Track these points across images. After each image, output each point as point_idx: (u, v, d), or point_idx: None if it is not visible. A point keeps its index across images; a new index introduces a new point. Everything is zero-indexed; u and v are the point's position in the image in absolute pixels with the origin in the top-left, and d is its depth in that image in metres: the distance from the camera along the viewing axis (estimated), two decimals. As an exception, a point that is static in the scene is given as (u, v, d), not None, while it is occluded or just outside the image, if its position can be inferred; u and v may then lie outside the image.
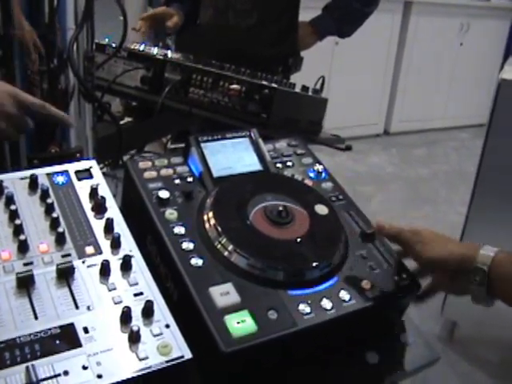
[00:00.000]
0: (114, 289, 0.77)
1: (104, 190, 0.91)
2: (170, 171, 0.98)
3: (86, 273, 0.78)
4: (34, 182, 0.88)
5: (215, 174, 0.99)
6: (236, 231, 0.89)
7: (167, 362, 0.70)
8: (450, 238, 0.93)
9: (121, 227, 0.86)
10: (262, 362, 0.82)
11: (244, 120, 1.37)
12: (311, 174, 1.07)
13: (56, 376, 0.66)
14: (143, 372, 0.68)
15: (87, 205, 0.88)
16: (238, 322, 0.78)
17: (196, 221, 0.90)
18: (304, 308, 0.82)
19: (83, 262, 0.79)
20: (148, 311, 0.74)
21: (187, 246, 0.86)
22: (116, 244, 0.83)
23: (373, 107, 5.34)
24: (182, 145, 1.03)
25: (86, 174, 0.93)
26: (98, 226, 0.85)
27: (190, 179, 0.98)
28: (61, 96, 1.11)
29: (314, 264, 0.87)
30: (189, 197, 0.94)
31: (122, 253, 0.82)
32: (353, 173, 4.54)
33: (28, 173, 0.90)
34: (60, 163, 0.94)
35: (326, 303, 0.84)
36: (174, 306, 0.77)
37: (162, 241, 0.86)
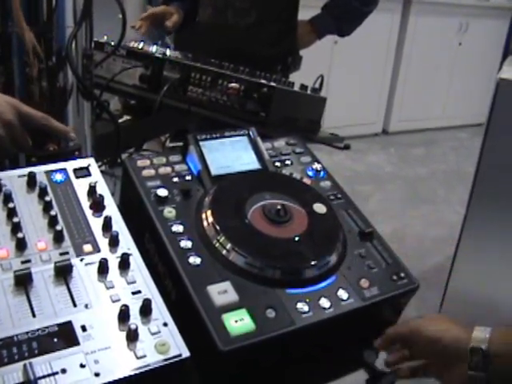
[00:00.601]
0: (112, 287, 0.77)
1: (102, 188, 0.91)
2: (169, 169, 0.98)
3: (83, 271, 0.78)
4: (32, 180, 0.88)
5: (213, 172, 0.99)
6: (234, 230, 0.89)
7: (165, 360, 0.70)
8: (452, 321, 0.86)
9: (119, 225, 0.86)
10: (260, 360, 0.82)
11: (243, 119, 1.37)
12: (310, 173, 1.07)
13: (53, 374, 0.66)
14: (141, 370, 0.68)
15: (85, 203, 0.88)
16: (236, 321, 0.78)
17: (194, 219, 0.90)
18: (302, 307, 0.82)
19: (81, 260, 0.79)
20: (146, 309, 0.74)
21: (185, 244, 0.86)
22: (114, 242, 0.82)
23: (371, 106, 5.34)
24: (181, 143, 1.03)
25: (84, 172, 0.93)
26: (96, 224, 0.85)
27: (188, 177, 0.98)
28: (59, 94, 1.11)
29: (313, 263, 0.87)
30: (187, 195, 0.94)
31: (120, 251, 0.82)
32: (351, 172, 4.54)
33: (26, 170, 0.90)
34: (58, 161, 0.94)
35: (324, 302, 0.84)
36: (172, 305, 0.77)
37: (160, 239, 0.86)
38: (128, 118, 1.65)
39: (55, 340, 0.69)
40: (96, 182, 0.90)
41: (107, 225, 0.85)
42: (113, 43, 1.55)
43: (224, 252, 0.86)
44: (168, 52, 1.57)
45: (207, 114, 1.45)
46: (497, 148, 2.34)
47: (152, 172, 0.96)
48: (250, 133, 1.07)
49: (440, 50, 5.41)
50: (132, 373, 0.68)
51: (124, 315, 0.73)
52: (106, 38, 1.59)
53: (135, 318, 0.73)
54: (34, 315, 0.72)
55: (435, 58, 5.42)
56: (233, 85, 1.39)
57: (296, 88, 1.45)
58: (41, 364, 0.66)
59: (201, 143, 1.01)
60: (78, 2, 1.07)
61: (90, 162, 0.95)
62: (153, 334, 0.72)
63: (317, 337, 0.84)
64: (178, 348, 0.71)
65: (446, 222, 3.83)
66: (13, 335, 0.69)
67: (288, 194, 0.98)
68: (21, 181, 0.88)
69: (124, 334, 0.71)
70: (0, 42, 1.05)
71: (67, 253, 0.80)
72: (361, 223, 0.99)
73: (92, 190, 0.89)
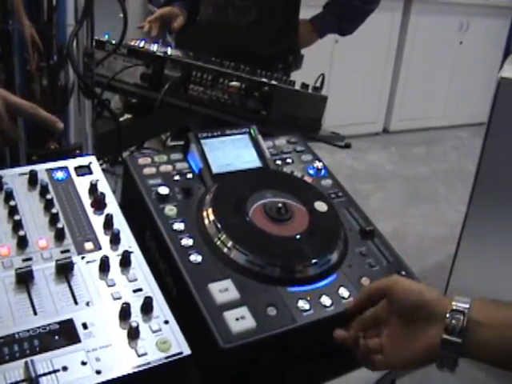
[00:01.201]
0: (113, 285, 0.77)
1: (103, 186, 0.91)
2: (170, 167, 0.98)
3: (85, 269, 0.78)
4: (33, 178, 0.88)
5: (215, 170, 0.99)
6: (235, 228, 0.89)
7: (166, 358, 0.70)
8: None
9: (120, 223, 0.86)
10: (261, 358, 0.82)
11: (244, 117, 1.37)
12: (311, 171, 1.07)
13: (55, 371, 0.66)
14: (142, 368, 0.69)
15: (86, 201, 0.88)
16: (237, 319, 0.78)
17: (195, 217, 0.90)
18: (303, 305, 0.82)
19: (82, 258, 0.80)
20: (147, 307, 0.74)
21: (186, 242, 0.86)
22: (115, 240, 0.83)
23: (372, 105, 5.34)
24: (182, 141, 1.03)
25: (85, 170, 0.93)
26: (97, 221, 0.85)
27: (189, 176, 0.98)
28: (60, 92, 1.11)
29: (314, 261, 0.87)
30: (188, 193, 0.94)
31: (121, 249, 0.82)
32: (352, 171, 4.54)
33: (27, 168, 0.90)
34: (59, 159, 0.94)
35: (326, 300, 0.84)
36: (173, 302, 0.77)
37: (161, 237, 0.86)
38: (129, 116, 1.65)
39: (56, 338, 0.69)
40: (97, 180, 0.91)
41: (108, 223, 0.85)
42: (114, 42, 1.55)
43: (225, 250, 0.86)
44: (169, 50, 1.57)
45: (208, 112, 1.45)
46: (497, 147, 2.34)
47: (153, 170, 0.96)
48: (251, 131, 1.07)
49: (441, 49, 5.40)
50: (133, 370, 0.68)
51: (125, 313, 0.73)
52: (107, 36, 1.59)
53: (136, 316, 0.74)
54: (35, 313, 0.72)
55: (436, 57, 5.42)
56: (234, 83, 1.40)
57: (297, 87, 1.45)
58: (42, 361, 0.66)
59: (202, 141, 1.01)
60: (79, 0, 1.07)
61: (91, 160, 0.95)
62: (154, 331, 0.72)
63: (318, 335, 0.83)
64: (179, 346, 0.72)
65: (446, 221, 3.83)
66: (14, 333, 0.69)
67: (289, 193, 0.98)
68: (22, 179, 0.89)
69: (125, 331, 0.72)
70: (0, 39, 1.05)
71: (68, 251, 0.80)
72: (362, 221, 0.99)
73: (93, 188, 0.89)
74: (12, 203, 0.83)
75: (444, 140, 5.53)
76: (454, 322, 0.73)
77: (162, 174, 0.96)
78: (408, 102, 5.49)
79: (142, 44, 1.60)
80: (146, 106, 1.54)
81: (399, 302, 0.79)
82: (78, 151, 1.14)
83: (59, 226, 0.81)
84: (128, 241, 0.84)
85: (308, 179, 1.05)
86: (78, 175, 0.92)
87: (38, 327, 0.70)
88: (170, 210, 0.90)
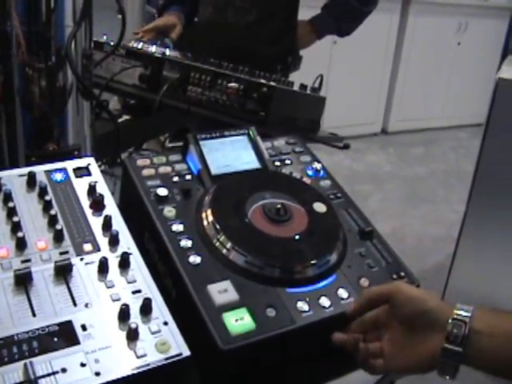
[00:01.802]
0: (112, 286, 0.77)
1: (102, 188, 0.91)
2: (169, 169, 0.98)
3: (83, 270, 0.78)
4: (32, 179, 0.88)
5: (213, 171, 0.99)
6: (234, 229, 0.89)
7: (165, 359, 0.70)
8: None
9: (119, 224, 0.86)
10: (260, 359, 0.82)
11: (242, 118, 1.36)
12: (309, 172, 1.07)
13: (54, 373, 0.66)
14: (141, 369, 0.68)
15: (85, 202, 0.88)
16: (237, 320, 0.78)
17: (194, 218, 0.90)
18: (302, 306, 0.82)
19: (81, 260, 0.79)
20: (146, 308, 0.74)
21: (185, 243, 0.86)
22: (114, 241, 0.82)
23: (371, 106, 5.34)
24: (181, 143, 1.03)
25: (84, 172, 0.93)
26: (96, 223, 0.85)
27: (188, 177, 0.98)
28: (59, 93, 1.11)
29: (313, 262, 0.87)
30: (187, 194, 0.94)
31: (120, 250, 0.82)
32: (351, 171, 4.54)
33: (26, 170, 0.90)
34: (58, 160, 0.94)
35: (325, 301, 0.84)
36: (172, 304, 0.77)
37: (160, 238, 0.86)
38: (127, 117, 1.64)
39: (55, 339, 0.69)
40: (96, 182, 0.90)
41: (107, 224, 0.85)
42: (112, 43, 1.55)
43: (224, 251, 0.86)
44: (167, 52, 1.57)
45: (207, 113, 1.45)
46: (496, 147, 2.34)
47: (152, 171, 0.96)
48: (250, 132, 1.07)
49: (439, 49, 5.41)
50: (132, 372, 0.68)
51: (124, 314, 0.73)
52: (105, 37, 1.59)
53: (135, 317, 0.73)
54: (34, 314, 0.72)
55: (434, 58, 5.42)
56: (232, 84, 1.39)
57: (296, 88, 1.44)
58: (41, 363, 0.66)
59: (201, 143, 1.01)
60: (77, 1, 1.07)
61: (89, 161, 0.95)
62: (153, 333, 0.72)
63: (317, 336, 0.83)
64: (179, 347, 0.72)
65: (445, 221, 3.83)
66: (13, 334, 0.69)
67: (288, 193, 0.98)
68: (21, 180, 0.88)
69: (124, 333, 0.71)
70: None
71: (67, 252, 0.80)
72: (361, 222, 0.99)
73: (92, 190, 0.89)
74: (11, 204, 0.83)
75: (442, 140, 5.54)
76: (455, 331, 0.74)
77: (160, 175, 0.96)
78: (406, 103, 5.49)
79: (140, 45, 1.60)
80: (145, 107, 1.54)
81: (401, 309, 0.79)
82: (76, 152, 1.14)
83: (58, 227, 0.81)
84: (127, 242, 0.83)
85: (307, 180, 1.05)
86: (77, 176, 0.92)
87: (37, 329, 0.70)
88: (169, 211, 0.90)
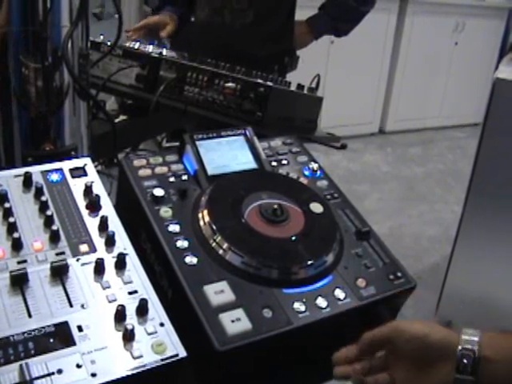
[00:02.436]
0: (109, 287, 0.77)
1: (98, 188, 0.91)
2: (165, 169, 0.98)
3: (80, 271, 0.78)
4: (28, 180, 0.88)
5: (210, 172, 0.99)
6: (231, 229, 0.89)
7: (162, 360, 0.70)
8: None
9: (115, 225, 0.85)
10: (257, 360, 0.82)
11: (239, 118, 1.36)
12: (306, 172, 1.07)
13: (50, 374, 0.66)
14: (137, 370, 0.68)
15: (81, 202, 0.88)
16: (233, 321, 0.78)
17: (191, 219, 0.90)
18: (299, 306, 0.82)
19: (77, 260, 0.79)
20: (142, 309, 0.74)
21: (182, 244, 0.86)
22: (110, 242, 0.82)
23: (368, 106, 5.35)
24: (177, 143, 1.03)
25: (80, 172, 0.93)
26: (92, 223, 0.85)
27: (184, 177, 0.98)
28: (55, 94, 1.10)
29: (309, 262, 0.87)
30: (183, 195, 0.93)
31: (116, 251, 0.81)
32: (348, 171, 4.54)
33: (22, 170, 0.89)
34: (54, 161, 0.94)
35: (321, 302, 0.84)
36: (168, 305, 0.77)
37: (156, 239, 0.86)
38: (124, 117, 1.64)
39: (51, 340, 0.69)
40: (92, 182, 0.90)
41: (103, 225, 0.84)
42: (109, 43, 1.55)
43: (220, 252, 0.86)
44: (164, 52, 1.57)
45: (204, 113, 1.44)
46: (493, 148, 2.35)
47: (148, 172, 0.96)
48: (247, 132, 1.07)
49: (436, 49, 5.41)
50: (128, 373, 0.68)
51: (120, 315, 0.73)
52: (102, 37, 1.58)
53: (131, 318, 0.73)
54: (30, 315, 0.71)
55: (432, 58, 5.42)
56: (229, 84, 1.39)
57: (292, 88, 1.44)
58: (37, 364, 0.66)
59: (197, 143, 1.01)
60: (73, 1, 1.07)
61: (86, 161, 0.95)
62: (149, 333, 0.72)
63: (314, 336, 0.84)
64: (175, 348, 0.71)
65: (442, 222, 3.84)
66: (9, 335, 0.68)
67: (285, 194, 0.98)
68: (17, 181, 0.88)
69: (120, 334, 0.71)
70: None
71: (63, 253, 0.80)
72: (357, 222, 0.99)
73: (88, 190, 0.89)
74: (7, 205, 0.83)
75: (440, 140, 5.55)
76: (464, 360, 0.73)
77: (157, 175, 0.96)
78: (404, 103, 5.50)
79: (137, 45, 1.60)
80: (142, 108, 1.54)
81: (405, 349, 0.78)
82: (73, 153, 1.14)
83: (54, 228, 0.81)
84: (123, 243, 0.83)
85: (304, 180, 1.05)
86: (73, 177, 0.92)
87: (33, 330, 0.70)
88: (166, 211, 0.90)
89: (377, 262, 0.94)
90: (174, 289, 0.83)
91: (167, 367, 0.70)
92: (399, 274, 0.93)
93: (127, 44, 1.60)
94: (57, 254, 0.79)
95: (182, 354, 0.71)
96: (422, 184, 4.52)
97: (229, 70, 1.44)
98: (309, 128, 1.49)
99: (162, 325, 0.74)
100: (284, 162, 1.08)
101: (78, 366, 0.67)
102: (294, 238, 0.91)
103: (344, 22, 2.17)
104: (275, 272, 0.85)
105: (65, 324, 0.71)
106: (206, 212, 0.90)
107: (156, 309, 0.75)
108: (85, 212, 0.86)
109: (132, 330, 0.71)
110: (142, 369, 0.69)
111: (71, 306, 0.74)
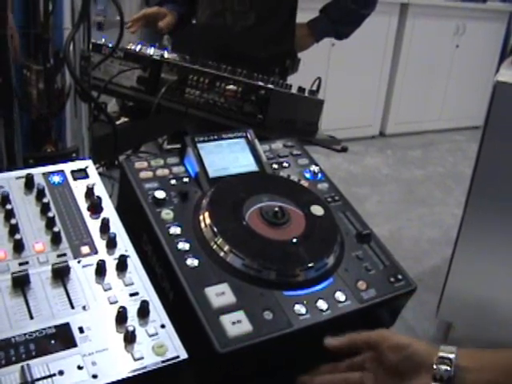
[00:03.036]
0: (110, 289, 0.77)
1: (100, 190, 0.91)
2: (166, 171, 0.98)
3: (81, 273, 0.78)
4: (29, 182, 0.88)
5: (211, 174, 0.99)
6: (232, 232, 0.89)
7: (163, 362, 0.70)
8: None
9: (116, 227, 0.86)
10: (258, 362, 0.82)
11: (240, 121, 1.37)
12: (307, 175, 1.07)
13: (51, 376, 0.66)
14: (138, 372, 0.68)
15: (83, 204, 0.88)
16: (234, 323, 0.78)
17: (192, 221, 0.90)
18: (299, 308, 0.82)
19: (79, 262, 0.79)
20: (143, 311, 0.74)
21: (183, 246, 0.86)
22: (112, 244, 0.82)
23: (369, 109, 5.35)
24: (178, 146, 1.03)
25: (81, 174, 0.93)
26: (93, 225, 0.85)
27: (186, 179, 0.98)
28: (57, 95, 1.11)
29: (310, 265, 0.87)
30: (185, 197, 0.94)
31: (117, 253, 0.82)
32: (348, 174, 4.54)
33: (24, 172, 0.89)
34: (56, 163, 0.94)
35: (322, 304, 0.84)
36: (169, 306, 0.77)
37: (157, 241, 0.86)
38: (126, 120, 1.65)
39: (53, 342, 0.69)
40: (94, 184, 0.90)
41: (105, 227, 0.84)
42: (110, 45, 1.55)
43: (222, 254, 0.86)
44: (166, 54, 1.57)
45: (205, 116, 1.45)
46: (494, 151, 2.35)
47: (150, 174, 0.96)
48: (248, 135, 1.07)
49: (437, 52, 5.42)
50: (129, 374, 0.68)
51: (121, 317, 0.73)
52: (103, 39, 1.59)
53: (133, 320, 0.73)
54: (31, 317, 0.71)
55: (432, 61, 5.43)
56: (230, 87, 1.40)
57: (293, 90, 1.45)
58: (38, 366, 0.66)
59: (198, 145, 1.01)
60: (75, 3, 1.07)
61: (87, 163, 0.95)
62: (150, 335, 0.72)
63: (314, 339, 0.84)
64: (176, 350, 0.71)
65: (442, 224, 3.84)
66: (10, 337, 0.68)
67: (285, 196, 0.98)
68: (18, 182, 0.88)
69: (121, 335, 0.71)
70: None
71: (65, 254, 0.80)
72: (358, 225, 0.99)
73: (90, 192, 0.89)
74: (8, 207, 0.83)
75: (440, 143, 5.55)
76: (441, 369, 0.75)
77: (158, 177, 0.96)
78: (404, 106, 5.50)
79: (138, 47, 1.60)
80: (143, 110, 1.54)
81: (388, 356, 0.80)
82: (74, 155, 1.14)
83: (55, 229, 0.81)
84: (124, 245, 0.83)
85: (304, 183, 1.05)
86: (75, 179, 0.92)
87: (34, 331, 0.70)
88: (167, 213, 0.90)
89: (377, 265, 0.94)
90: (175, 291, 0.83)
91: (168, 369, 0.70)
92: (400, 277, 0.93)
93: (129, 46, 1.60)
94: (58, 256, 0.79)
95: (183, 355, 0.71)
96: (422, 187, 4.53)
97: (230, 72, 1.45)
98: (310, 131, 1.49)
99: (163, 326, 0.74)
100: (285, 164, 1.08)
101: (79, 368, 0.67)
102: (294, 240, 0.91)
103: (345, 24, 2.18)
104: (276, 274, 0.85)
105: (66, 325, 0.71)
106: (207, 214, 0.90)
107: (157, 311, 0.75)
108: (86, 214, 0.87)
109: (133, 332, 0.71)
110: (143, 370, 0.69)
111: (72, 307, 0.74)
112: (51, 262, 0.78)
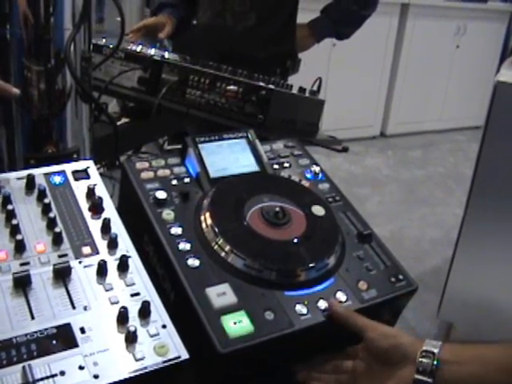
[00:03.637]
0: (111, 289, 0.77)
1: (101, 191, 0.91)
2: (167, 172, 0.98)
3: (82, 273, 0.78)
4: (30, 182, 0.88)
5: (212, 174, 0.99)
6: (233, 232, 0.89)
7: (164, 362, 0.70)
8: None
9: (118, 227, 0.86)
10: (259, 362, 0.82)
11: (241, 121, 1.37)
12: (308, 175, 1.07)
13: (52, 376, 0.66)
14: (140, 372, 0.68)
15: (84, 205, 0.88)
16: (235, 323, 0.78)
17: (193, 221, 0.90)
18: (301, 309, 0.82)
19: (80, 262, 0.79)
20: (145, 312, 0.74)
21: (184, 246, 0.86)
22: (113, 244, 0.82)
23: (369, 109, 5.35)
24: (179, 146, 1.03)
25: (83, 174, 0.93)
26: (94, 226, 0.85)
27: (187, 180, 0.98)
28: (58, 96, 1.11)
29: (311, 265, 0.87)
30: (186, 197, 0.94)
31: (118, 253, 0.82)
32: (349, 174, 4.54)
33: (25, 173, 0.90)
34: (57, 163, 0.94)
35: (323, 304, 0.84)
36: (170, 307, 0.77)
37: (158, 241, 0.86)
38: (126, 120, 1.65)
39: (54, 342, 0.69)
40: (95, 185, 0.91)
41: (106, 227, 0.85)
42: (111, 46, 1.55)
43: (223, 254, 0.86)
44: (166, 54, 1.57)
45: (206, 116, 1.45)
46: (494, 151, 2.35)
47: (151, 174, 0.96)
48: (249, 135, 1.07)
49: (438, 52, 5.42)
50: (131, 375, 0.68)
51: (123, 317, 0.73)
52: (104, 40, 1.59)
53: (134, 320, 0.73)
54: (32, 317, 0.72)
55: (433, 61, 5.43)
56: (231, 87, 1.40)
57: (294, 91, 1.45)
58: (40, 366, 0.66)
59: (199, 146, 1.02)
60: (76, 4, 1.07)
61: (88, 164, 0.95)
62: (152, 336, 0.72)
63: (315, 339, 0.84)
64: (177, 350, 0.72)
65: (443, 224, 3.84)
66: (12, 337, 0.69)
67: (286, 197, 0.98)
68: (19, 183, 0.89)
69: (123, 336, 0.71)
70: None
71: (66, 255, 0.80)
72: (359, 225, 0.99)
73: (91, 193, 0.89)
74: (9, 207, 0.83)
75: (441, 143, 5.55)
76: (424, 361, 0.77)
77: (159, 178, 0.96)
78: (405, 106, 5.50)
79: (139, 48, 1.60)
80: (144, 110, 1.54)
81: (375, 344, 0.82)
82: (75, 155, 1.14)
83: (57, 230, 0.81)
84: (126, 245, 0.83)
85: (305, 183, 1.05)
86: (76, 179, 0.92)
87: (36, 332, 0.70)
88: (168, 214, 0.90)
89: (378, 265, 0.94)
90: (176, 291, 0.83)
91: (169, 369, 0.70)
92: (401, 277, 0.93)
93: (129, 47, 1.60)
94: (59, 256, 0.80)
95: (184, 356, 0.71)
96: (423, 187, 4.52)
97: (231, 72, 1.45)
98: (310, 131, 1.49)
99: (164, 327, 0.74)
100: (286, 164, 1.08)
101: (81, 368, 0.67)
102: (295, 240, 0.91)
103: (345, 25, 2.18)
104: (277, 274, 0.85)
105: (67, 326, 0.71)
106: (208, 215, 0.90)
107: (158, 311, 0.75)
108: (87, 214, 0.87)
109: (134, 332, 0.71)
110: (144, 371, 0.69)
111: (74, 307, 0.74)
112: (52, 263, 0.78)
